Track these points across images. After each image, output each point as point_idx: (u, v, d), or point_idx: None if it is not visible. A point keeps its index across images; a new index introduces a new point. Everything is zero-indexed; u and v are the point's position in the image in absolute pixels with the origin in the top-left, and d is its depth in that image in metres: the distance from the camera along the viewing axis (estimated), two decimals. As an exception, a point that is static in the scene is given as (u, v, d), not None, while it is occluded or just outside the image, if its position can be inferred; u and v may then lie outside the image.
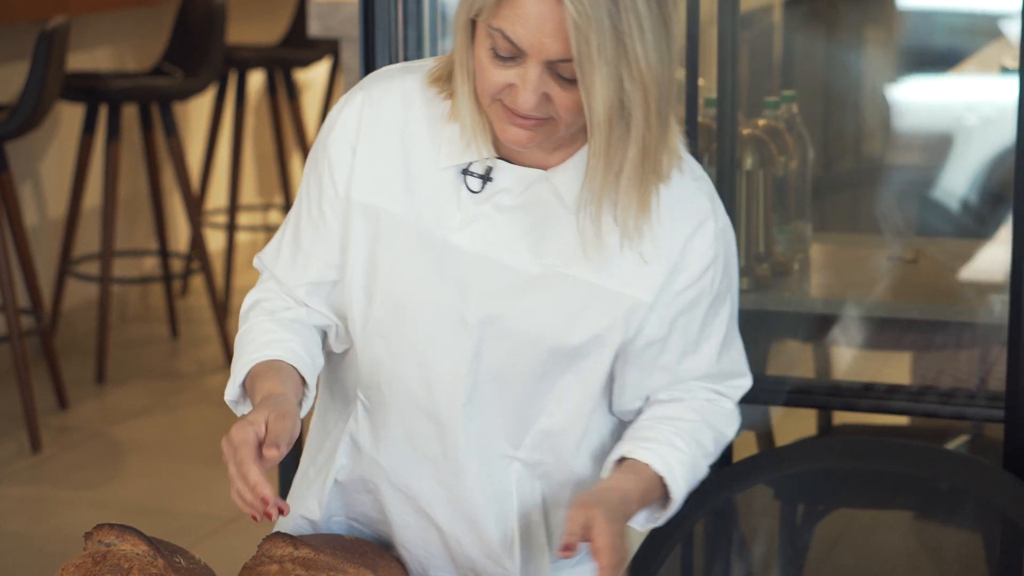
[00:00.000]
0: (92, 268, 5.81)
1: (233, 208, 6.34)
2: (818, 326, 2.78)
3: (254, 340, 2.08)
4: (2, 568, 3.96)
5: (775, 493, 2.59)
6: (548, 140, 1.97)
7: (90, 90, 5.38)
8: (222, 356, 5.71)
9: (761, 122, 2.85)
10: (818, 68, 3.39)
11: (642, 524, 2.10)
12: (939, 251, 2.95)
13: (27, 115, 4.63)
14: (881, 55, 3.56)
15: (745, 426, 2.73)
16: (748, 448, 2.85)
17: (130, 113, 5.97)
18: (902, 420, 3.24)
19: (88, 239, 5.85)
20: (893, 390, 2.53)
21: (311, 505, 2.21)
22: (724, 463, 2.53)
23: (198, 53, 5.59)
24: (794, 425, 3.17)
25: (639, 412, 2.13)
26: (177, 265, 6.27)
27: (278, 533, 2.06)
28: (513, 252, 2.01)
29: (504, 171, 2.01)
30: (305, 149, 6.46)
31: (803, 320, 2.79)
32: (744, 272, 2.77)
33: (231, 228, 6.34)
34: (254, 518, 1.92)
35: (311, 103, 7.28)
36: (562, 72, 1.89)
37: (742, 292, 2.75)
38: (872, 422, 3.09)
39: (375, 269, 2.05)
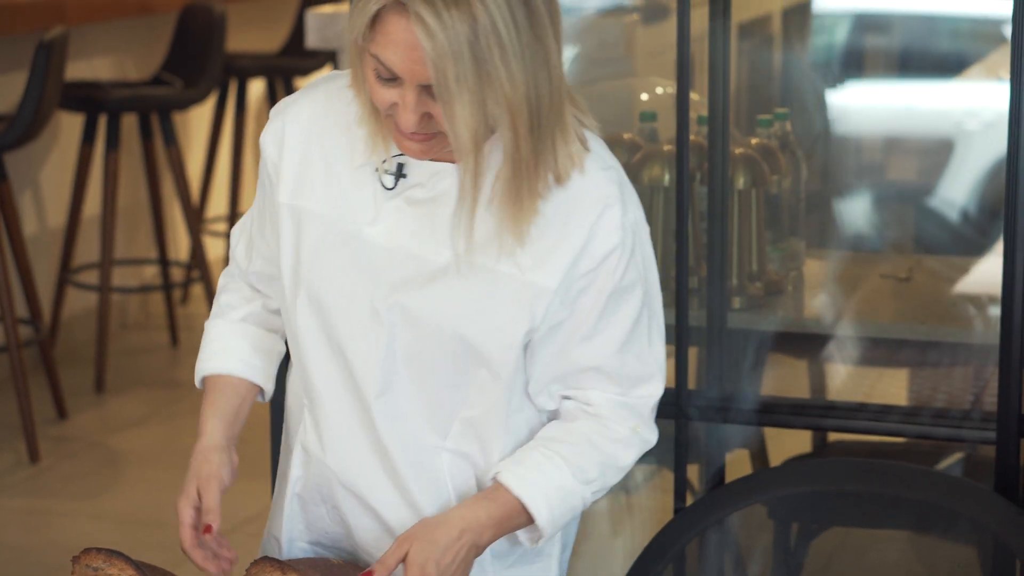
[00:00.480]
0: (92, 277, 5.81)
1: (233, 216, 6.35)
2: (812, 345, 2.78)
3: (207, 346, 2.25)
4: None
5: (768, 513, 2.59)
6: (446, 147, 2.03)
7: (89, 99, 5.39)
8: (222, 365, 5.69)
9: (754, 141, 2.85)
10: (814, 81, 3.38)
11: (528, 542, 2.14)
12: (934, 267, 2.94)
13: (26, 125, 4.63)
14: (880, 64, 3.56)
15: (738, 444, 2.74)
16: (742, 466, 2.85)
17: (130, 122, 5.98)
18: (897, 437, 3.24)
19: (88, 248, 5.86)
20: (887, 410, 2.52)
21: (276, 523, 2.27)
22: (717, 483, 2.53)
23: (198, 62, 5.60)
24: (788, 442, 3.17)
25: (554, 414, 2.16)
26: (177, 274, 6.27)
27: (265, 558, 2.06)
28: (422, 242, 2.07)
29: (415, 166, 2.08)
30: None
31: (796, 339, 2.79)
32: (737, 291, 2.76)
33: (230, 236, 6.33)
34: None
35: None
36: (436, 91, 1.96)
37: (734, 311, 2.75)
38: (867, 439, 3.09)
39: (299, 265, 2.12)
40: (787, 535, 2.67)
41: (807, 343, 2.78)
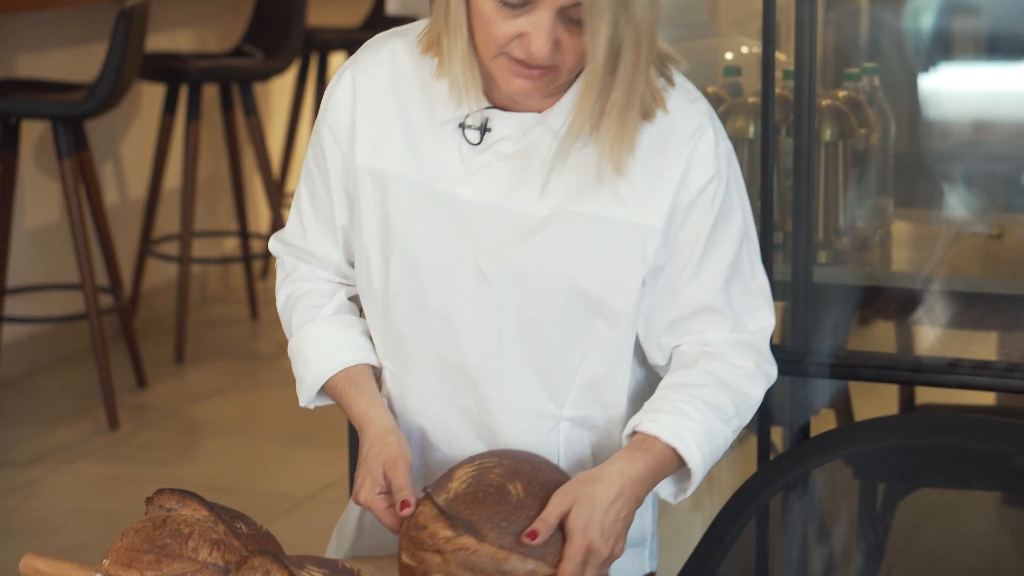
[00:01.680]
0: (172, 248, 5.82)
1: (313, 191, 6.33)
2: (900, 301, 2.71)
3: (316, 351, 2.15)
4: (78, 543, 3.97)
5: (854, 469, 2.52)
6: (547, 89, 1.99)
7: (170, 70, 5.39)
8: (301, 338, 5.69)
9: (841, 93, 2.78)
10: (904, 44, 3.30)
11: (673, 497, 2.08)
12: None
13: (106, 93, 4.63)
14: (970, 36, 3.47)
15: (823, 404, 2.67)
16: (827, 426, 2.78)
17: (211, 94, 5.98)
18: (987, 400, 3.16)
19: (169, 220, 5.86)
20: (981, 366, 2.44)
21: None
22: (802, 437, 2.47)
23: (278, 34, 5.59)
24: (874, 404, 3.10)
25: (665, 369, 2.10)
26: (257, 246, 6.26)
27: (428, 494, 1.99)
28: (520, 197, 2.02)
29: (501, 119, 2.03)
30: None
31: (884, 295, 2.72)
32: (823, 245, 2.70)
33: (311, 210, 6.33)
34: None
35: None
36: (572, 15, 1.91)
37: (820, 265, 2.69)
38: (955, 402, 3.02)
39: (388, 232, 2.06)
40: (873, 494, 2.60)
41: (894, 299, 2.70)
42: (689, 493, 2.07)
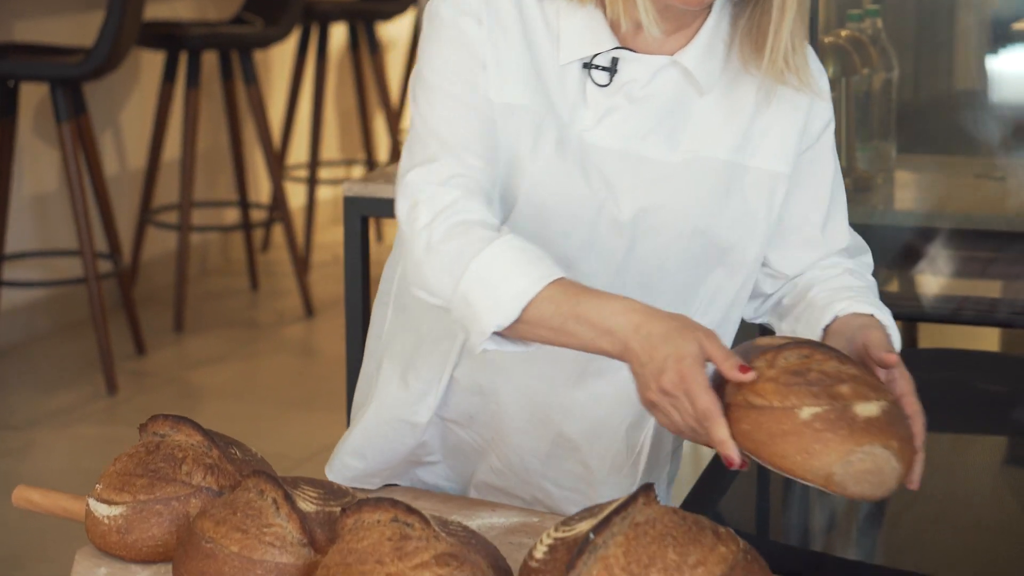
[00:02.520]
0: (172, 218, 5.80)
1: (314, 163, 6.31)
2: (903, 240, 2.68)
3: (517, 260, 1.80)
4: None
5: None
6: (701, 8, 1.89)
7: (170, 37, 5.36)
8: (301, 308, 5.68)
9: (844, 32, 2.75)
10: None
11: None
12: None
13: (104, 56, 4.60)
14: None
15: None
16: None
17: (210, 62, 5.95)
18: (990, 345, 3.14)
19: (169, 189, 5.84)
20: (986, 303, 2.42)
21: (419, 409, 2.08)
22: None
23: (278, 2, 5.56)
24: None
25: (768, 297, 2.07)
26: (258, 216, 6.24)
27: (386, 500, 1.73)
28: (652, 143, 1.94)
29: (630, 61, 1.92)
30: (388, 106, 6.41)
31: (887, 233, 2.69)
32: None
33: (312, 183, 6.31)
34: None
35: (395, 61, 7.23)
36: None
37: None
38: (958, 346, 2.99)
39: (515, 171, 1.93)
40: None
41: (898, 238, 2.68)
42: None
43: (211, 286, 6.04)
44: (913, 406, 1.77)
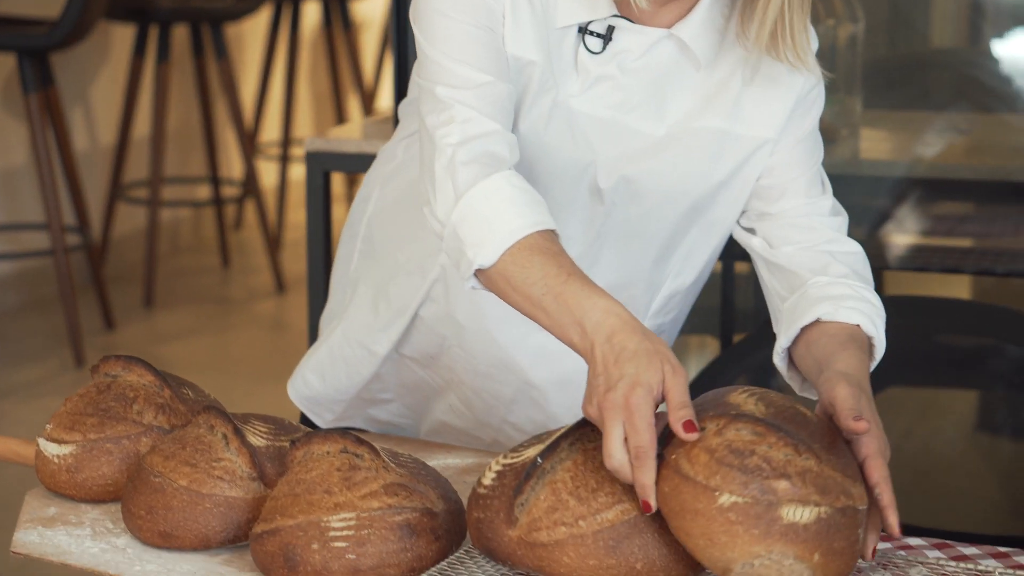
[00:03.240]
0: (143, 194, 5.76)
1: (286, 141, 6.28)
2: (867, 190, 2.67)
3: (515, 198, 1.77)
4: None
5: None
6: None
7: (140, 10, 5.33)
8: (273, 284, 5.65)
9: (808, -19, 2.73)
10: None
11: None
12: (994, 121, 2.83)
13: (71, 26, 4.57)
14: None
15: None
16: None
17: (181, 37, 5.92)
18: (957, 293, 3.13)
19: (140, 166, 5.81)
20: (955, 251, 2.41)
21: (377, 337, 2.09)
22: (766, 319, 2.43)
23: (250, -23, 5.53)
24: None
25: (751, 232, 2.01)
26: (229, 192, 6.21)
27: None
28: (640, 115, 1.91)
29: (626, 31, 1.89)
30: (362, 86, 6.38)
31: (852, 184, 2.68)
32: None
33: (284, 161, 6.28)
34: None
35: (368, 40, 7.20)
36: None
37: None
38: (925, 296, 2.98)
39: (516, 132, 1.91)
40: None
41: (861, 188, 2.66)
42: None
43: (182, 263, 6.01)
44: (877, 472, 1.59)
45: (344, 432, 1.69)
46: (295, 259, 6.02)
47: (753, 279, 2.44)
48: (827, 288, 1.89)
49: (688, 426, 1.54)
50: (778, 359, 1.89)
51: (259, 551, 1.64)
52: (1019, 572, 1.60)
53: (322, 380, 2.16)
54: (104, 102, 5.73)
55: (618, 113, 1.92)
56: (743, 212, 2.00)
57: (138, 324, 5.23)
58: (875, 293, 1.91)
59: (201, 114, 5.74)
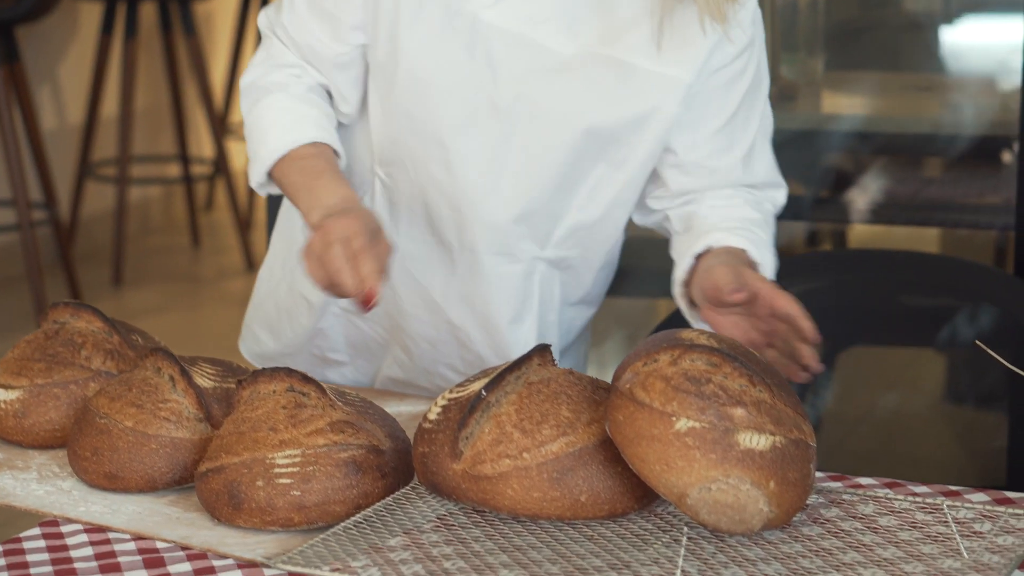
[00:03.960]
0: (112, 172, 5.74)
1: (257, 121, 6.25)
2: (827, 144, 2.66)
3: (278, 120, 1.94)
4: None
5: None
6: None
7: (107, -13, 5.32)
8: (243, 263, 5.63)
9: (769, -60, 2.74)
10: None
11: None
12: (953, 81, 2.83)
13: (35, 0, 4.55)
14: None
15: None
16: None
17: (149, 14, 5.89)
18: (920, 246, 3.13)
19: (109, 144, 5.78)
20: (905, 205, 2.41)
21: (310, 284, 2.09)
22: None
23: (218, -45, 5.52)
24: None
25: (666, 217, 2.01)
26: (199, 170, 6.18)
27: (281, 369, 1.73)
28: (547, 31, 1.88)
29: None
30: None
31: (811, 138, 2.67)
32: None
33: (255, 140, 6.25)
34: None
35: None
36: None
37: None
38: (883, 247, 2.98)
39: (398, 43, 1.90)
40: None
41: (822, 142, 2.65)
42: None
43: (152, 243, 5.99)
44: (785, 301, 1.70)
45: (290, 371, 1.67)
46: (265, 239, 6.00)
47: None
48: (721, 223, 1.92)
49: (370, 296, 1.72)
50: (676, 293, 1.91)
51: (204, 489, 1.63)
52: (967, 504, 1.59)
53: (271, 334, 2.15)
54: (72, 80, 5.71)
55: (527, 27, 1.89)
56: (669, 193, 1.99)
57: (107, 302, 5.21)
58: (772, 249, 1.92)
59: (170, 92, 5.72)
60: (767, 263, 1.90)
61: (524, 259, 1.99)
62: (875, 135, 2.57)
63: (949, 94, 2.79)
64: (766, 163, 2.01)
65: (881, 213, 2.46)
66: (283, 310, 2.14)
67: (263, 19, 2.03)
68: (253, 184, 1.98)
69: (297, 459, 1.60)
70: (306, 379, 1.66)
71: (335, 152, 1.95)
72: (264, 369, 1.69)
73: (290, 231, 2.15)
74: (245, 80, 2.02)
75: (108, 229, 5.79)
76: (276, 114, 1.95)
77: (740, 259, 1.86)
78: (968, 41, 2.92)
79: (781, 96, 2.68)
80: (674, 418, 1.49)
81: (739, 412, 1.49)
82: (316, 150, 1.92)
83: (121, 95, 5.36)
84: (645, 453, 1.49)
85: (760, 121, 1.99)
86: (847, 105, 2.79)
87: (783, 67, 2.74)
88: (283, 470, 1.59)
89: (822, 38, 2.87)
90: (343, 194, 1.85)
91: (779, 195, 2.04)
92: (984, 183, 2.60)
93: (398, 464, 1.65)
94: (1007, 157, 2.49)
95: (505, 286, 1.99)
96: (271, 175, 1.95)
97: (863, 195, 2.58)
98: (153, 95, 6.09)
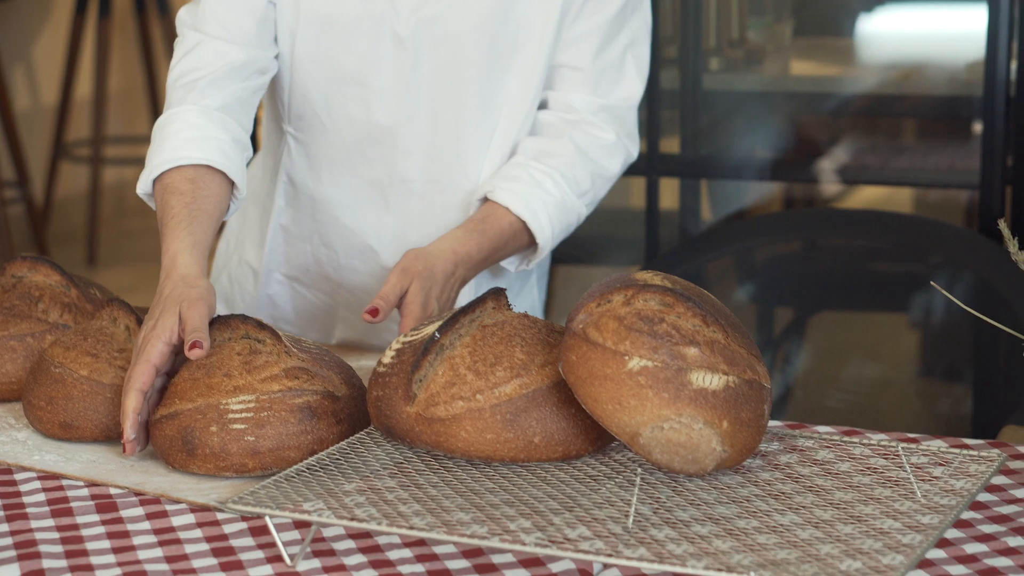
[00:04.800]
0: (87, 153, 5.72)
1: (233, 103, 6.24)
2: (794, 107, 2.66)
3: (177, 134, 1.88)
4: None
5: (736, 263, 2.47)
6: None
7: (80, -33, 5.30)
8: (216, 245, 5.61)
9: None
10: None
11: (515, 267, 2.02)
12: (919, 44, 2.83)
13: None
14: None
15: (726, 208, 2.62)
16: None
17: (124, -3, 5.88)
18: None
19: (84, 126, 5.76)
20: (867, 164, 2.40)
21: (251, 252, 2.12)
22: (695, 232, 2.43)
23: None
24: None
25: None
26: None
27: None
28: None
29: None
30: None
31: (778, 100, 2.67)
32: (715, 52, 2.65)
33: (231, 122, 6.24)
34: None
35: None
36: None
37: (711, 72, 2.64)
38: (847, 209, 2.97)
39: None
40: (767, 292, 2.54)
41: (789, 105, 2.65)
42: (532, 265, 2.01)
43: (128, 226, 5.97)
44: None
45: (246, 318, 1.67)
46: (241, 220, 5.99)
47: (681, 212, 2.44)
48: (509, 168, 1.94)
49: (195, 345, 1.62)
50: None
51: (158, 435, 1.62)
52: (923, 446, 1.59)
53: (227, 306, 2.18)
54: (46, 60, 5.69)
55: None
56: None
57: (80, 282, 5.19)
58: (575, 195, 1.95)
59: (145, 73, 5.70)
60: (539, 219, 1.93)
61: (458, 189, 2.00)
62: (843, 96, 2.56)
63: (917, 57, 2.78)
64: (617, 56, 2.00)
65: (850, 174, 2.45)
66: (235, 280, 2.15)
67: (183, 15, 1.98)
68: (140, 192, 1.91)
69: (251, 405, 1.59)
70: (261, 326, 1.66)
71: (233, 184, 1.88)
72: (219, 316, 1.68)
73: (243, 204, 2.15)
74: (170, 79, 1.96)
75: (82, 210, 5.77)
76: (176, 127, 1.88)
77: (497, 225, 1.91)
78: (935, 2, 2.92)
79: (749, 59, 2.67)
80: (627, 357, 1.48)
81: (692, 352, 1.49)
82: (187, 185, 1.84)
83: (95, 76, 5.34)
84: (598, 393, 1.49)
85: (619, 13, 1.98)
86: (815, 69, 2.79)
87: (750, 32, 2.73)
88: (237, 415, 1.59)
89: (790, 2, 2.87)
90: (197, 271, 1.76)
91: (626, 86, 2.01)
92: (955, 145, 2.60)
93: (354, 411, 1.64)
94: (976, 128, 2.48)
95: (441, 215, 2.00)
96: (156, 186, 1.88)
97: (833, 158, 2.57)
98: (128, 76, 6.07)
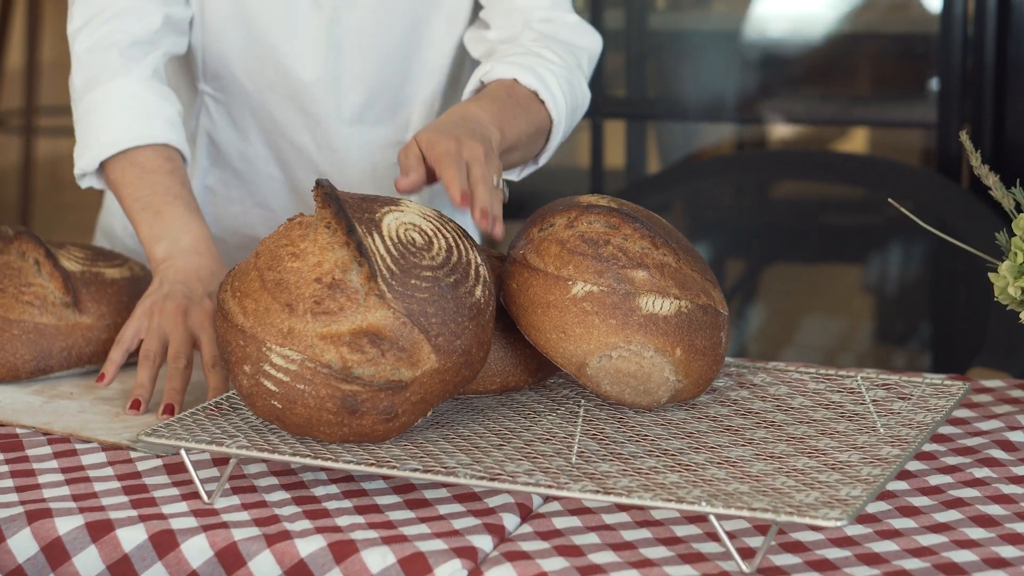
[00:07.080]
0: (19, 123, 5.60)
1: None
2: (746, 52, 2.57)
3: (126, 107, 1.75)
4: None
5: (686, 206, 2.38)
6: None
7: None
8: (156, 217, 5.50)
9: None
10: None
11: (518, 173, 1.85)
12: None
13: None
14: None
15: (675, 154, 2.54)
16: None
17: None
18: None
19: (15, 97, 5.64)
20: (822, 108, 2.33)
21: (192, 170, 1.99)
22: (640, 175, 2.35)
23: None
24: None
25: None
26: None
27: None
28: None
29: None
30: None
31: (724, 41, 2.58)
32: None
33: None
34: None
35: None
36: None
37: (658, 12, 2.56)
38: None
39: None
40: (721, 234, 2.46)
41: (741, 50, 2.56)
42: (542, 160, 1.80)
43: (65, 199, 5.84)
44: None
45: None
46: (180, 194, 5.87)
47: (629, 143, 2.35)
48: (503, 55, 1.77)
49: (134, 406, 1.52)
50: None
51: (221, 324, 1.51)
52: (883, 378, 1.51)
53: None
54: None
55: None
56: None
57: (13, 255, 5.07)
58: (578, 74, 1.78)
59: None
60: (545, 88, 1.73)
61: (390, 147, 1.91)
62: (797, 37, 2.48)
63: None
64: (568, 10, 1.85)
65: (803, 116, 2.37)
66: None
67: None
68: (77, 172, 1.81)
69: (293, 367, 1.32)
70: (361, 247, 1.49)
71: (183, 157, 1.77)
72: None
73: None
74: (80, 46, 1.80)
75: (16, 183, 5.64)
76: (125, 100, 1.75)
77: (512, 95, 1.71)
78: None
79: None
80: (570, 282, 1.39)
81: (640, 275, 1.40)
82: (170, 164, 1.73)
83: (27, 42, 5.22)
84: (540, 321, 1.40)
85: None
86: (766, 8, 2.71)
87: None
88: (273, 371, 1.30)
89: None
90: (196, 231, 1.69)
91: (586, 40, 1.85)
92: (912, 90, 2.53)
93: (427, 394, 1.51)
94: (932, 74, 2.43)
95: (375, 183, 1.91)
96: (104, 168, 1.78)
97: (785, 99, 2.50)
98: (60, 46, 5.94)
